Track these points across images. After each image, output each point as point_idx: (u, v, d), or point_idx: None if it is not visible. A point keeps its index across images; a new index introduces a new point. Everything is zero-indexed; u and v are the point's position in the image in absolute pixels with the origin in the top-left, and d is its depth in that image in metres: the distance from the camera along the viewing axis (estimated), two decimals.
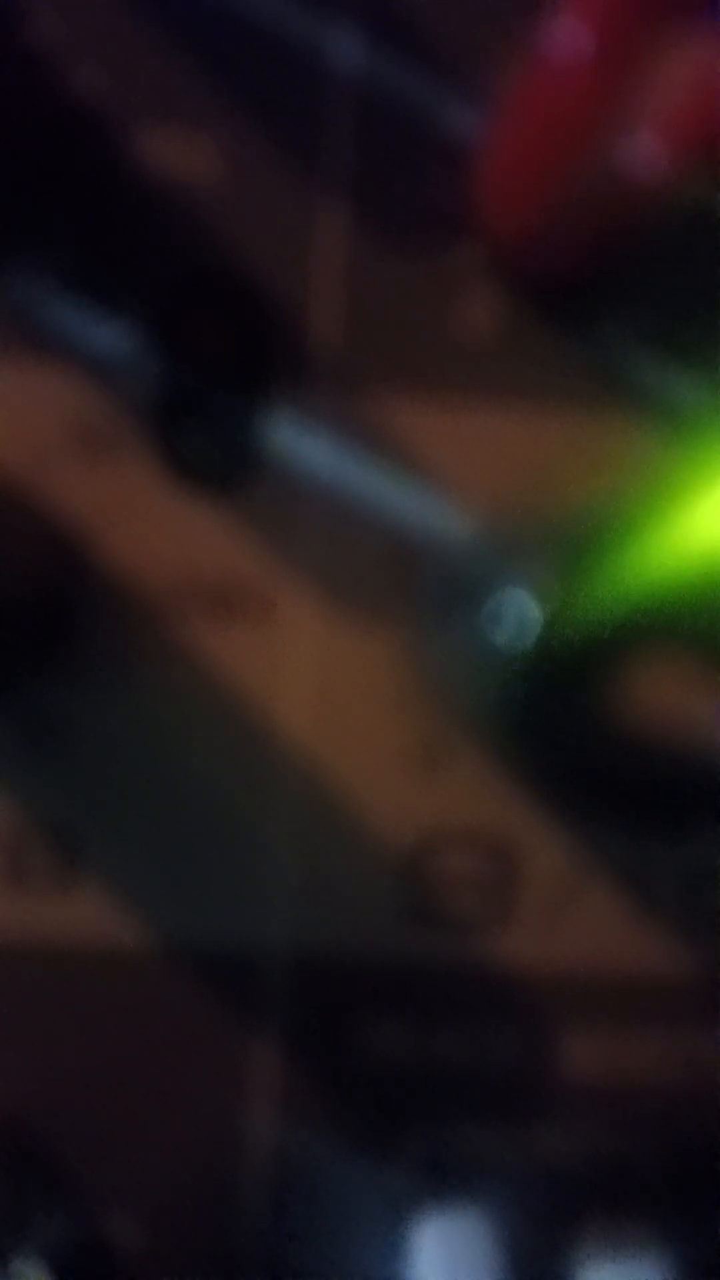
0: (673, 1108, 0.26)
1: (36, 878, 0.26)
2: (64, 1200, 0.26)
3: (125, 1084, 0.26)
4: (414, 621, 0.25)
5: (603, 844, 0.26)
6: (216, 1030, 0.26)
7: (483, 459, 0.25)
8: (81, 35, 0.24)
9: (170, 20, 0.24)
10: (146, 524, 0.25)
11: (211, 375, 0.25)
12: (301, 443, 0.25)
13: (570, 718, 0.25)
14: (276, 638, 0.25)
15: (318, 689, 0.25)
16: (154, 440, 0.25)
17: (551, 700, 0.25)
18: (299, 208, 0.25)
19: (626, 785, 0.25)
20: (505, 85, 0.24)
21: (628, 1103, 0.26)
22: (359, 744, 0.26)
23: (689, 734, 0.25)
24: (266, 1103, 0.26)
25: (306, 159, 0.25)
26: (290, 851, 0.26)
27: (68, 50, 0.24)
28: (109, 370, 0.25)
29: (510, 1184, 0.26)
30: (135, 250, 0.25)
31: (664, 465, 0.25)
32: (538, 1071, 0.26)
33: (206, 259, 0.25)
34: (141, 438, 0.25)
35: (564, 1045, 0.26)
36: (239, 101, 0.24)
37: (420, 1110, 0.26)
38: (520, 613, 0.24)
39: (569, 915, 0.26)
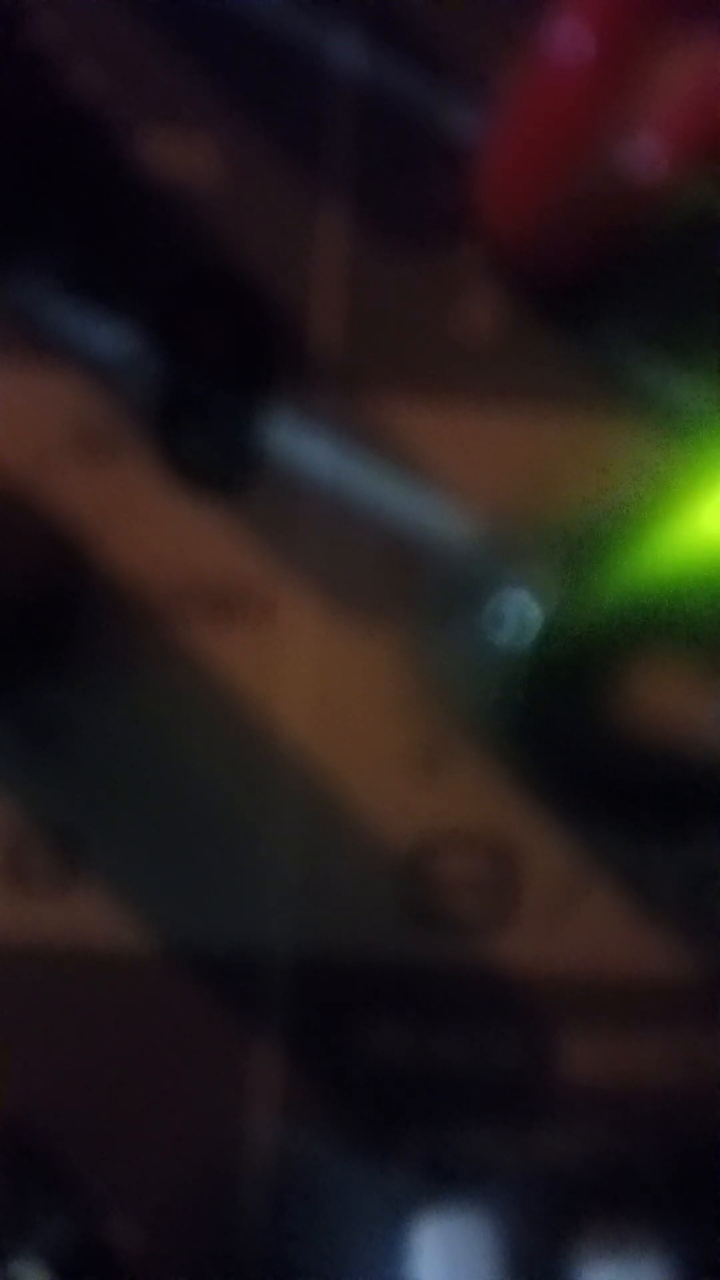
0: (673, 1109, 0.26)
1: (37, 878, 0.26)
2: (64, 1201, 0.26)
3: (126, 1085, 0.26)
4: (414, 623, 0.25)
5: (603, 845, 0.26)
6: (217, 1031, 0.26)
7: (483, 460, 0.25)
8: (81, 35, 0.24)
9: (171, 21, 0.24)
10: (147, 525, 0.25)
11: (212, 376, 0.25)
12: (302, 444, 0.25)
13: (570, 719, 0.25)
14: (277, 639, 0.25)
15: (318, 690, 0.25)
16: (155, 441, 0.25)
17: (552, 701, 0.25)
18: (300, 209, 0.25)
19: (627, 787, 0.25)
20: (506, 86, 0.24)
21: (628, 1104, 0.26)
22: (359, 745, 0.26)
23: (689, 735, 0.25)
24: (267, 1104, 0.26)
25: (307, 160, 0.25)
26: (291, 853, 0.26)
27: (68, 50, 0.24)
28: (109, 371, 0.25)
29: (511, 1185, 0.26)
30: (135, 251, 0.25)
31: (664, 466, 0.25)
32: (538, 1072, 0.26)
33: (207, 260, 0.25)
34: (142, 439, 0.25)
35: (564, 1046, 0.26)
36: (240, 102, 0.25)
37: (421, 1111, 0.26)
38: (520, 614, 0.24)
39: (569, 917, 0.26)
